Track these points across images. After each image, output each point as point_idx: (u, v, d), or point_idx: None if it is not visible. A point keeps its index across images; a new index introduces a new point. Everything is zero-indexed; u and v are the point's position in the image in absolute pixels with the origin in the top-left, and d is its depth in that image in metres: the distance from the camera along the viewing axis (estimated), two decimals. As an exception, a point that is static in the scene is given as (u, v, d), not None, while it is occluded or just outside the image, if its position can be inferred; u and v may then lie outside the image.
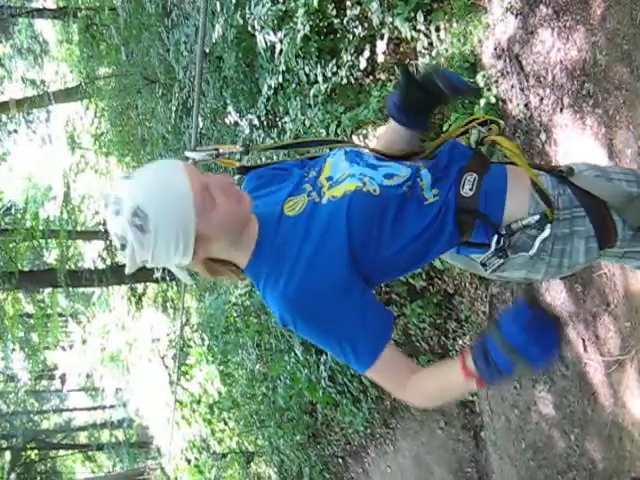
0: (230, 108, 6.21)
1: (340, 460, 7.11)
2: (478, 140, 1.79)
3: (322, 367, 5.97)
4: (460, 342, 5.04)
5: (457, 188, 1.69)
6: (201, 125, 6.59)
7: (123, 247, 1.51)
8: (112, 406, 25.42)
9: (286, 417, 7.23)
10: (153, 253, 1.52)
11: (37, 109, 16.96)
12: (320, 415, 6.77)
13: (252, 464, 9.29)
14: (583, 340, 3.72)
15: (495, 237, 1.65)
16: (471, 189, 1.67)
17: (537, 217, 1.65)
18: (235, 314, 7.35)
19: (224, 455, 9.51)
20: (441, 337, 5.20)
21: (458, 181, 1.70)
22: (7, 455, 18.94)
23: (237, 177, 1.98)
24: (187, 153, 1.97)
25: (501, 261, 1.64)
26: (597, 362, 3.65)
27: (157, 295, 12.54)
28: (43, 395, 26.90)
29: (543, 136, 3.71)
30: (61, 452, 25.80)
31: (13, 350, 18.81)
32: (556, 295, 3.77)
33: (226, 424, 9.15)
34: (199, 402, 9.59)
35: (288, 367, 6.48)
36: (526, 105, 3.83)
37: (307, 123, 5.02)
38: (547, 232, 1.65)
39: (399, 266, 1.71)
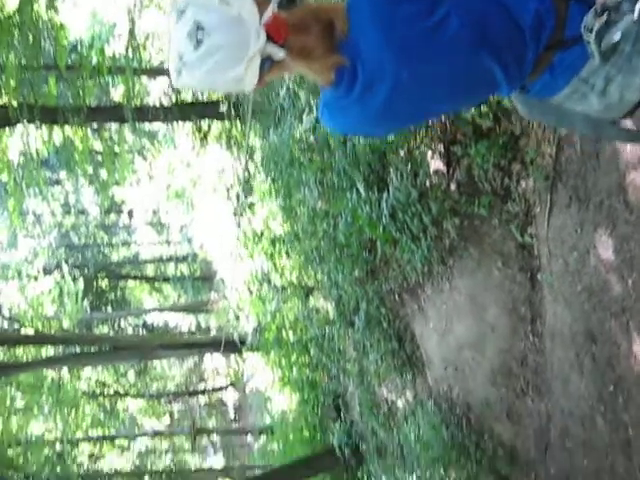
0: None
1: (396, 296, 7.23)
2: None
3: (383, 204, 5.98)
4: (523, 185, 5.00)
5: None
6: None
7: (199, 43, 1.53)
8: (177, 242, 26.33)
9: (345, 253, 7.32)
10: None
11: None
12: (379, 252, 6.80)
13: (311, 297, 9.58)
14: (650, 184, 3.68)
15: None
16: None
17: None
18: (299, 150, 7.36)
19: (284, 288, 9.83)
20: (504, 179, 5.16)
21: None
22: (80, 283, 19.93)
23: None
24: None
25: (604, 18, 1.59)
26: (662, 208, 3.61)
27: (221, 132, 12.60)
28: (112, 229, 27.82)
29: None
30: (129, 283, 27.10)
31: (83, 185, 19.38)
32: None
33: (288, 257, 9.38)
34: (261, 236, 9.83)
35: (350, 204, 6.50)
36: None
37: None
38: None
39: None
